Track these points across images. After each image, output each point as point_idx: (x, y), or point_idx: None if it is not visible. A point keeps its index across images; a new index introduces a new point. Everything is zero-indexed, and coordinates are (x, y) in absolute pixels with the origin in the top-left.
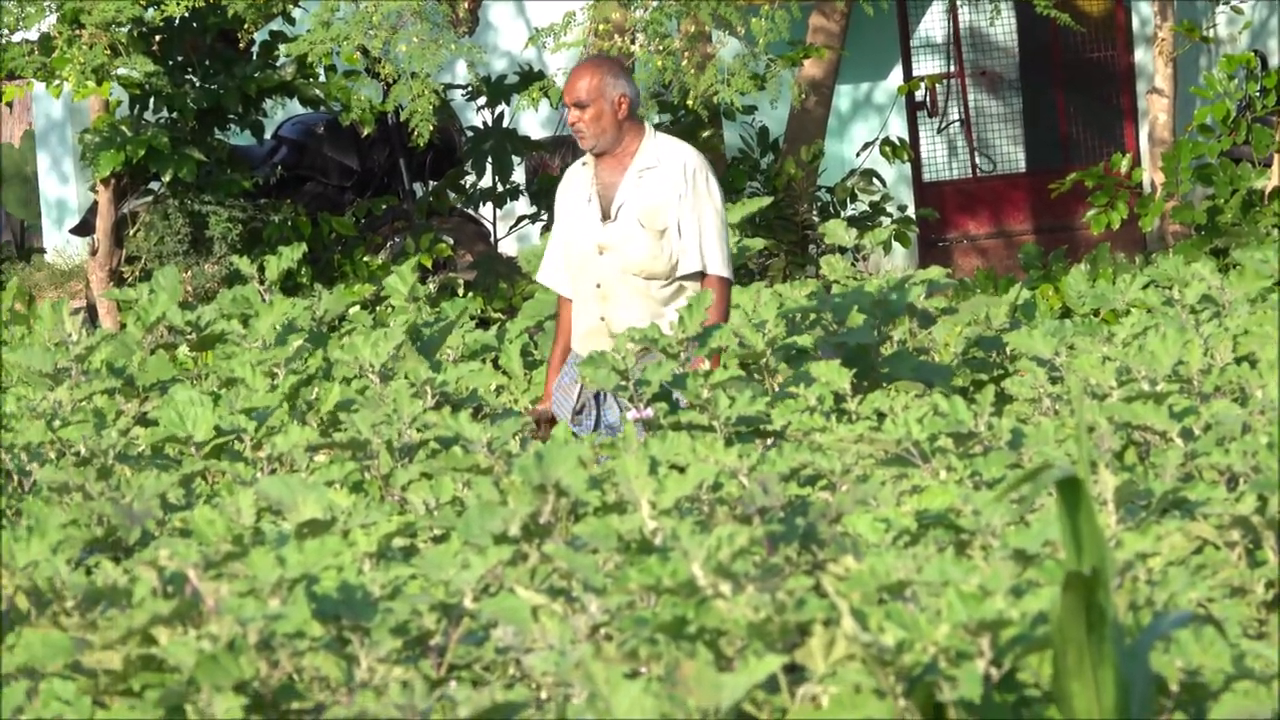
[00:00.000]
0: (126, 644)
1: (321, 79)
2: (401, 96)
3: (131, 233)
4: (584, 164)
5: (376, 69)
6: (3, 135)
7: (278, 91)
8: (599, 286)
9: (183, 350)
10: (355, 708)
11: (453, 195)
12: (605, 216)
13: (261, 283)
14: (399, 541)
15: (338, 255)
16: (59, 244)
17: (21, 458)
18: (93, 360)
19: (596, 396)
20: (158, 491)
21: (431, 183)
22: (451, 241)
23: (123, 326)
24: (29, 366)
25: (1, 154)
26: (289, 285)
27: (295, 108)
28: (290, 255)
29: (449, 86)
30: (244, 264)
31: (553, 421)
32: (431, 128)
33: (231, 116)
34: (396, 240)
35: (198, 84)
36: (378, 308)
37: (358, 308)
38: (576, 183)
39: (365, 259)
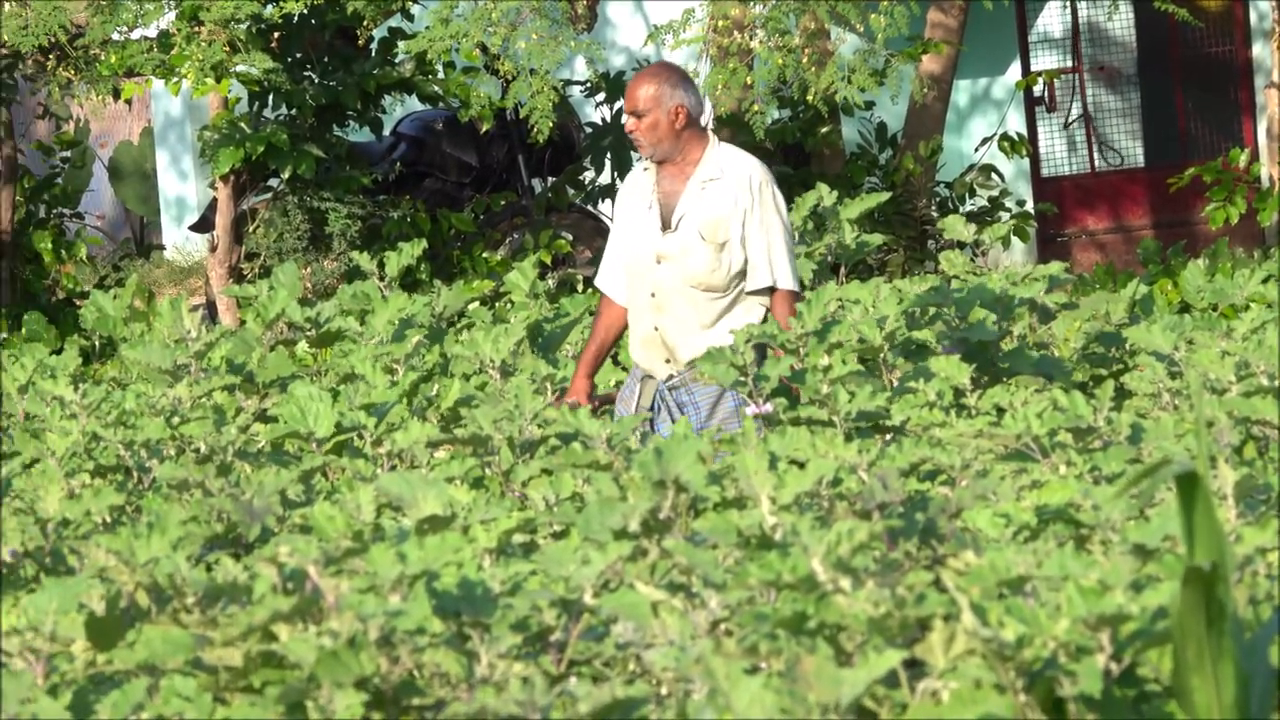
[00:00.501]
0: (247, 641)
1: (440, 75)
2: (520, 93)
3: (251, 229)
4: (645, 169)
5: (495, 65)
6: (122, 132)
7: (397, 88)
8: (654, 296)
9: (302, 346)
10: (475, 704)
11: (571, 191)
12: (665, 226)
13: (381, 279)
14: (519, 537)
15: (457, 251)
16: (178, 241)
17: (142, 454)
18: (212, 357)
19: (652, 408)
20: (278, 488)
21: (550, 179)
22: (570, 237)
23: (242, 323)
24: (149, 363)
25: (121, 151)
26: (408, 281)
27: (414, 104)
28: (409, 251)
29: (568, 83)
30: (363, 260)
31: None
32: (550, 124)
33: (350, 113)
34: (515, 236)
35: (317, 80)
36: (497, 304)
37: (477, 304)
38: (638, 188)
39: (484, 255)
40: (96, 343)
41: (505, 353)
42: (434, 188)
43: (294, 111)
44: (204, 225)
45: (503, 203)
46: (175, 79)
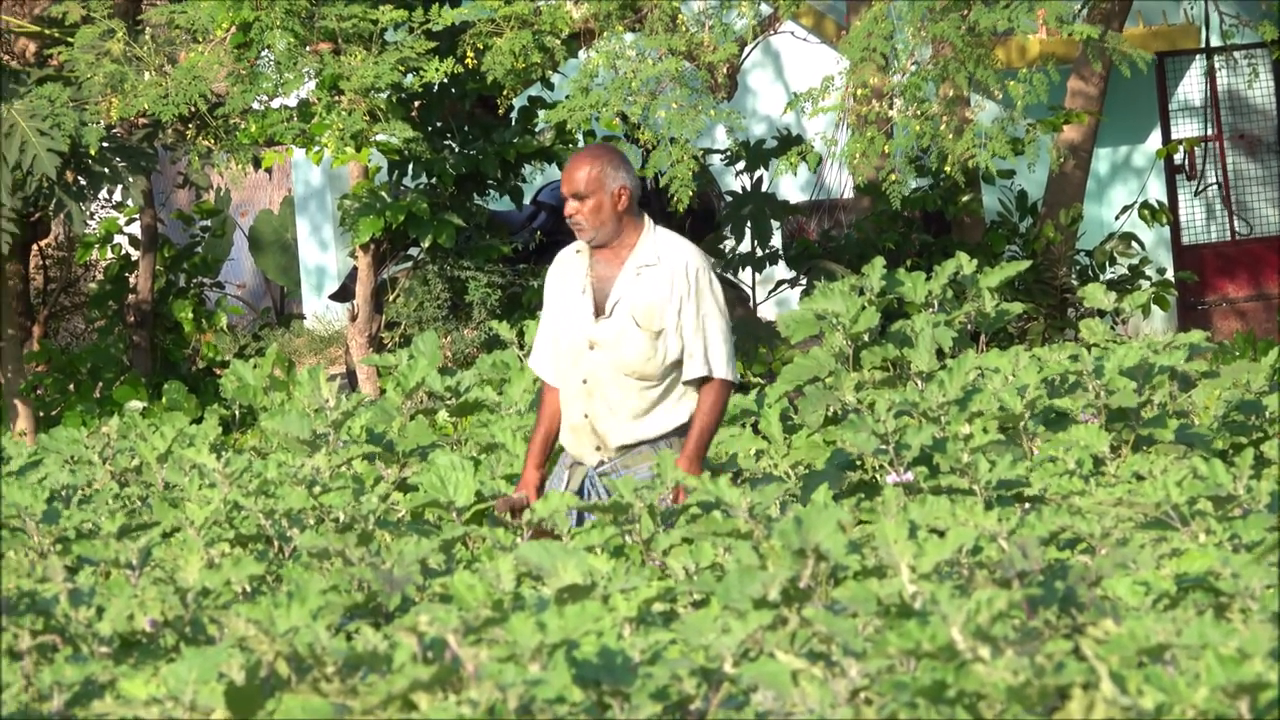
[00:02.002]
0: (387, 710)
1: (581, 144)
2: (661, 162)
3: (391, 298)
4: (578, 251)
5: (635, 134)
6: (263, 202)
7: (537, 157)
8: (585, 383)
9: (442, 415)
10: None
11: (712, 260)
12: (599, 312)
13: (520, 348)
14: (659, 606)
15: None
16: (318, 310)
17: (282, 523)
18: (352, 426)
19: (580, 494)
20: (418, 557)
21: None
22: None
23: (382, 392)
24: (288, 433)
25: (261, 220)
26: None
27: (554, 173)
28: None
29: (708, 151)
30: (503, 329)
31: (524, 508)
32: (691, 192)
33: (490, 182)
34: None
35: (457, 149)
36: None
37: None
38: (570, 271)
39: None
40: (236, 412)
41: None
42: None
43: (434, 180)
44: (344, 294)
45: None
46: (315, 148)
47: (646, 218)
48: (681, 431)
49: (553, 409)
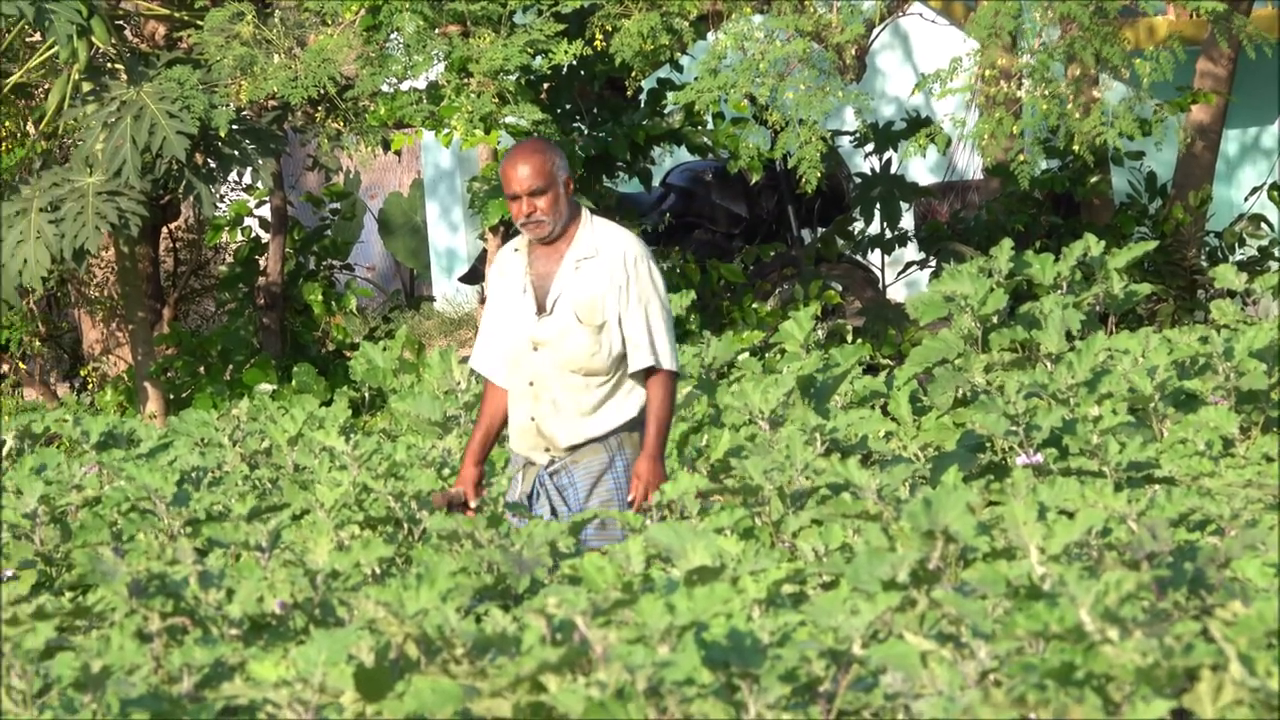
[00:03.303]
0: (516, 691)
1: (709, 126)
2: (789, 143)
3: None
4: (516, 249)
5: (764, 116)
6: (392, 184)
7: (666, 139)
8: (531, 384)
9: None
10: None
11: (841, 242)
12: (540, 309)
13: None
14: (788, 588)
15: (726, 302)
16: (448, 292)
17: (412, 506)
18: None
19: (531, 495)
20: (547, 539)
21: (820, 229)
22: (840, 288)
23: None
24: (418, 415)
25: (391, 203)
26: (678, 332)
27: (683, 155)
28: (679, 302)
29: (837, 133)
30: None
31: (465, 505)
32: (819, 174)
33: (620, 164)
34: (785, 287)
35: (586, 132)
36: (766, 354)
37: (747, 354)
38: (510, 270)
39: (754, 305)
40: (366, 394)
41: (775, 403)
42: (703, 238)
43: None
44: (474, 277)
45: (772, 253)
46: (445, 130)
47: (584, 209)
48: (631, 426)
49: (494, 407)
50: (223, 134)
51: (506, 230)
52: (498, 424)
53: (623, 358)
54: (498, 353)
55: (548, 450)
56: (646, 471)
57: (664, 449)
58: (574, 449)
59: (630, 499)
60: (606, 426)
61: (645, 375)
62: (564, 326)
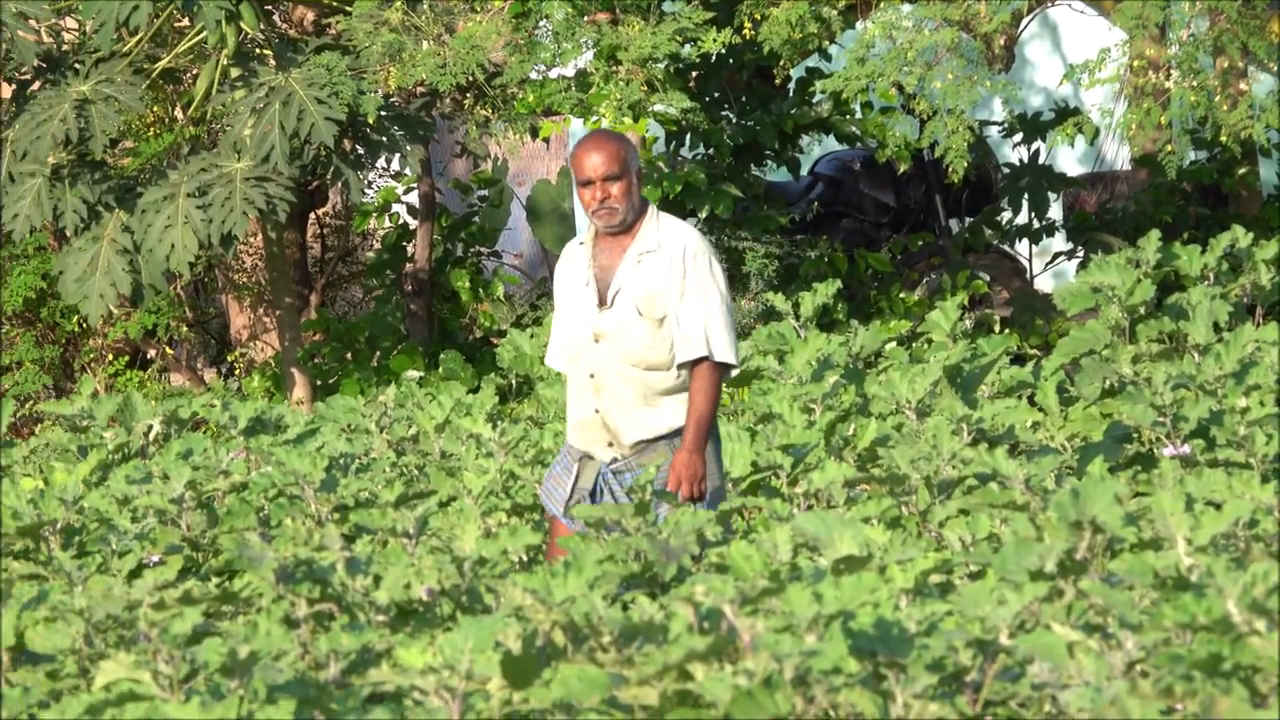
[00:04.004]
0: (662, 679)
1: (857, 115)
2: (937, 133)
3: None
4: (581, 242)
5: (912, 105)
6: (540, 171)
7: (814, 128)
8: (593, 377)
9: None
10: None
11: (989, 232)
12: (601, 302)
13: (797, 318)
14: (935, 578)
15: (873, 291)
16: None
17: None
18: None
19: (594, 492)
20: (694, 527)
21: (967, 219)
22: (987, 278)
23: None
24: (565, 403)
25: (538, 190)
26: (824, 321)
27: (831, 144)
28: (826, 291)
29: (985, 123)
30: (779, 300)
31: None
32: (966, 164)
33: (768, 152)
34: (932, 276)
35: (734, 120)
36: (913, 344)
37: (894, 344)
38: (574, 263)
39: (901, 295)
40: (513, 381)
41: (922, 393)
42: (851, 227)
43: (711, 151)
44: None
45: (920, 243)
46: (593, 118)
47: (650, 204)
48: None
49: None
50: (371, 120)
51: None
52: None
53: None
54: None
55: (611, 445)
56: (682, 464)
57: (703, 442)
58: (640, 447)
59: (679, 495)
60: (671, 423)
61: (692, 366)
62: (624, 319)
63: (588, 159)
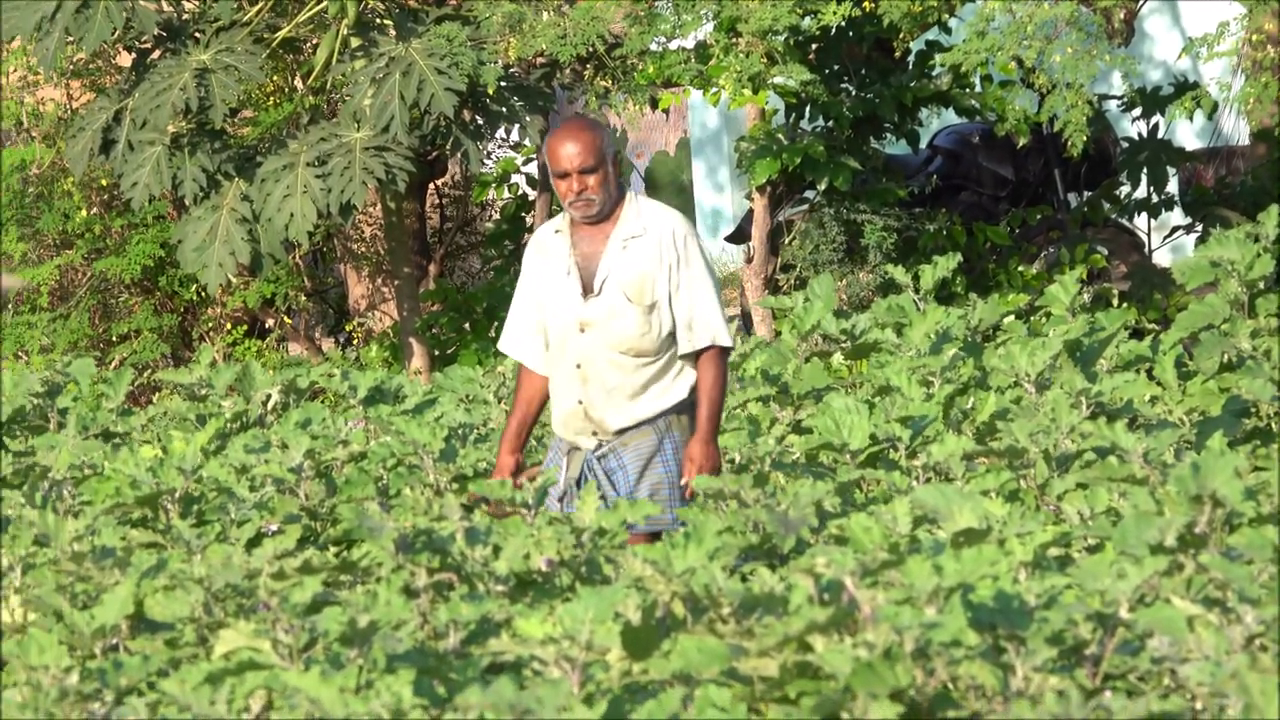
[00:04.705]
0: (782, 651)
1: (977, 89)
2: (1055, 107)
3: (787, 241)
4: (557, 230)
5: (1031, 79)
6: (658, 143)
7: (934, 101)
8: (579, 367)
9: (837, 358)
10: (1010, 716)
11: (1107, 206)
12: (587, 291)
13: (916, 291)
14: (1054, 551)
15: (992, 265)
16: (714, 252)
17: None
18: (747, 368)
19: (579, 480)
20: (813, 499)
21: (1086, 193)
22: (1105, 252)
23: (777, 334)
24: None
25: (657, 162)
26: (943, 294)
27: (950, 117)
28: (945, 264)
29: (1104, 97)
30: (898, 273)
31: (512, 503)
32: (1085, 138)
33: (887, 125)
34: (1051, 250)
35: (853, 93)
36: (1032, 317)
37: (1012, 317)
38: (551, 251)
39: (1020, 269)
40: None
41: (1041, 366)
42: (969, 201)
43: (831, 123)
44: (740, 236)
45: (1038, 217)
46: (713, 90)
47: (628, 188)
48: (680, 408)
49: (529, 394)
50: (491, 91)
51: (773, 190)
52: (535, 409)
53: (671, 338)
54: (531, 336)
55: (595, 434)
56: (699, 455)
57: (717, 430)
58: (622, 432)
59: (683, 483)
60: (657, 409)
61: (695, 354)
62: (613, 307)
63: (563, 150)
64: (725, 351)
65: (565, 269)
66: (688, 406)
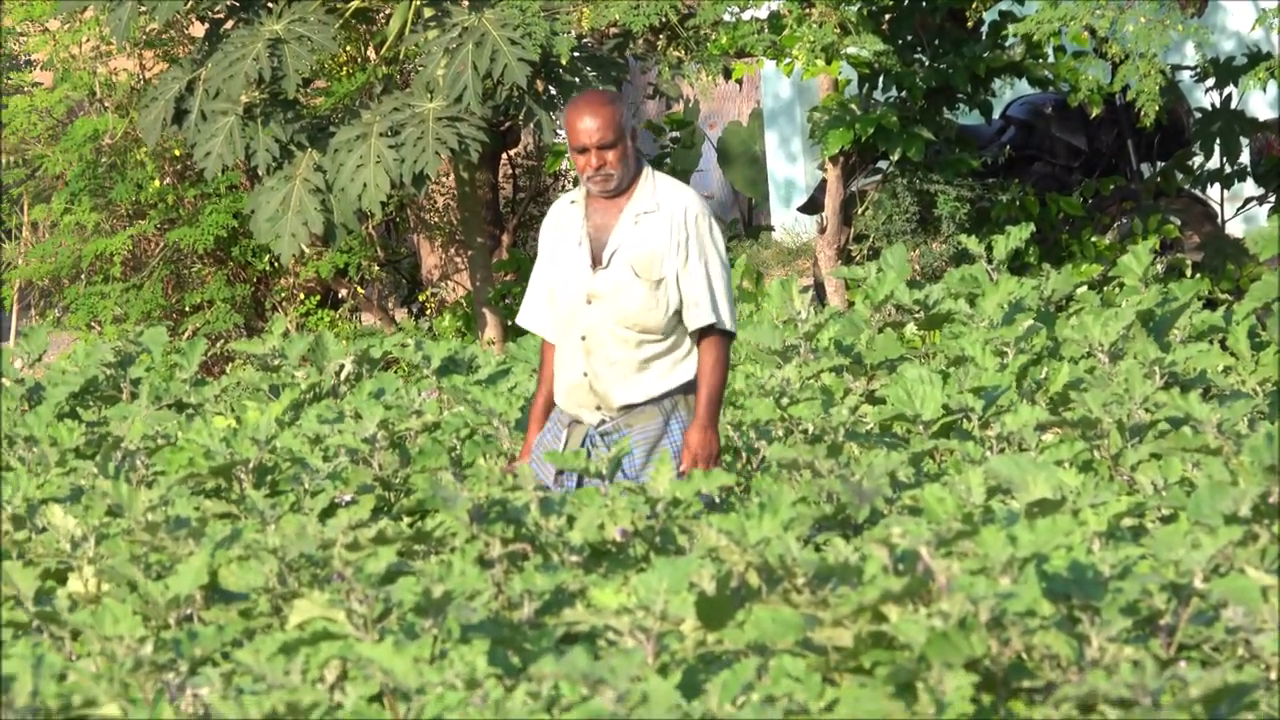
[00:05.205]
0: (857, 621)
1: (1050, 59)
2: (1128, 76)
3: (860, 211)
4: (573, 201)
5: (1104, 49)
6: (731, 113)
7: (1006, 71)
8: (584, 339)
9: (910, 328)
10: (1085, 687)
11: (1180, 176)
12: (596, 262)
13: (989, 262)
14: (1128, 521)
15: (1065, 235)
16: (787, 222)
17: (750, 435)
18: (820, 338)
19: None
20: (887, 469)
21: (1159, 164)
22: (1179, 222)
23: (851, 305)
24: (758, 344)
25: (730, 132)
26: (1016, 265)
27: (1023, 88)
28: (1018, 235)
29: (1176, 68)
30: (971, 243)
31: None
32: (1158, 108)
33: (960, 96)
34: (1124, 221)
35: (927, 63)
36: (1105, 288)
37: (1085, 287)
38: (565, 222)
39: (1093, 239)
40: None
41: (1115, 336)
42: (1043, 171)
43: (904, 93)
44: (812, 207)
45: (1111, 187)
46: (786, 60)
47: (645, 162)
48: (687, 389)
49: (553, 369)
50: (564, 61)
51: (846, 161)
52: None
53: (679, 316)
54: (549, 309)
55: (599, 409)
56: (696, 443)
57: (716, 416)
58: (627, 409)
59: (682, 470)
60: (662, 387)
61: (699, 337)
62: (620, 280)
63: (582, 125)
64: (728, 336)
65: (577, 240)
66: (695, 388)
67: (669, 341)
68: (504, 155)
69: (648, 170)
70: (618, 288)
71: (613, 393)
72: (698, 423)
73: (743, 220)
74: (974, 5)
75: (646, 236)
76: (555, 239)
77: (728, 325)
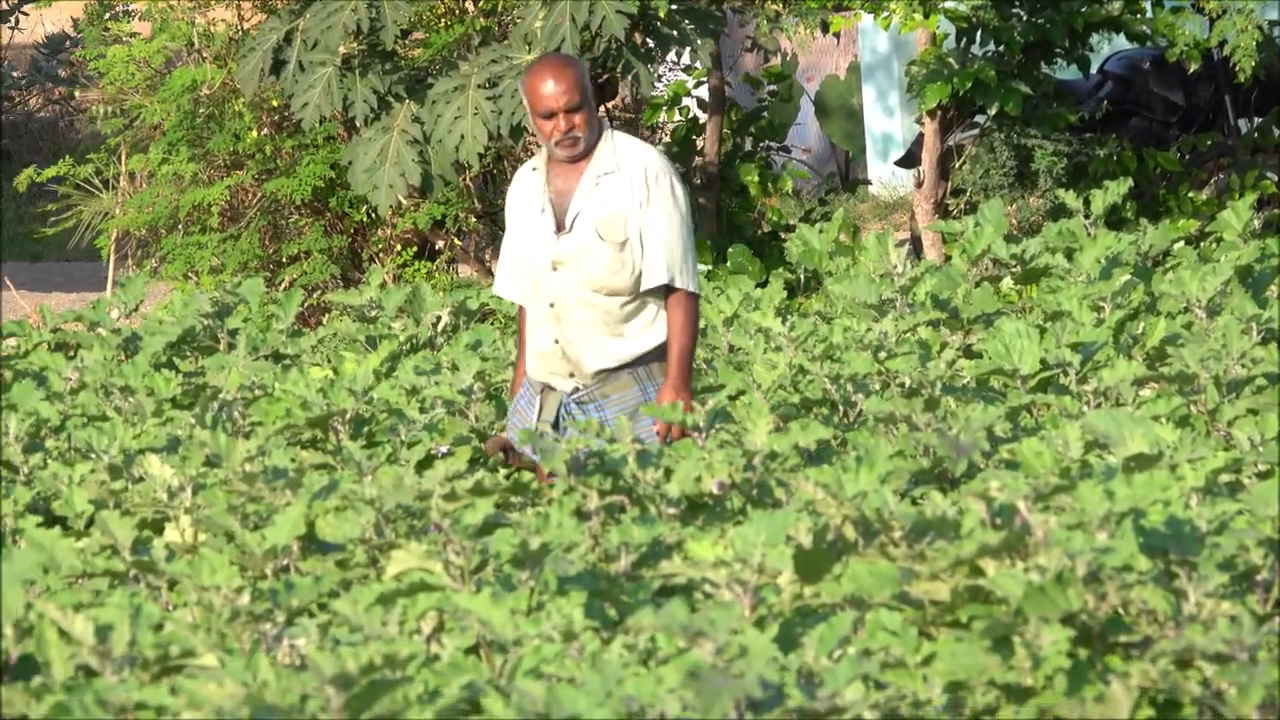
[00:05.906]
0: (954, 575)
1: (1148, 14)
2: (1226, 31)
3: (957, 165)
4: (534, 168)
5: (1201, 4)
6: (829, 67)
7: (1105, 26)
8: (553, 306)
9: (1007, 283)
10: (1182, 642)
11: (1278, 132)
12: (559, 228)
13: (1086, 217)
14: (1225, 476)
15: (1162, 190)
16: (884, 176)
17: (848, 388)
18: (917, 292)
19: (555, 423)
20: (984, 424)
21: (1257, 119)
22: (1276, 178)
23: (947, 258)
24: (854, 297)
25: (827, 86)
26: (1113, 220)
27: (1121, 42)
28: (1115, 190)
29: (1274, 22)
30: (1069, 198)
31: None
32: (1255, 63)
33: (1058, 50)
34: (1221, 176)
35: (1025, 17)
36: (1202, 243)
37: (1182, 243)
38: (527, 189)
39: (1190, 195)
40: (801, 276)
41: (1212, 291)
42: (1140, 126)
43: (1002, 48)
44: (909, 161)
45: (1209, 142)
46: (884, 14)
47: (604, 122)
48: (660, 353)
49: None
50: (662, 14)
51: (943, 115)
52: None
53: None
54: (521, 277)
55: (572, 375)
56: (669, 404)
57: (688, 377)
58: (600, 376)
59: (655, 431)
60: (634, 351)
61: (667, 297)
62: (584, 243)
63: (546, 89)
64: (694, 296)
65: (540, 207)
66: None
67: (637, 304)
68: (602, 108)
69: (608, 132)
70: (582, 251)
71: (585, 359)
72: (669, 384)
73: (840, 174)
74: None
75: (608, 198)
76: (519, 207)
77: (685, 284)
